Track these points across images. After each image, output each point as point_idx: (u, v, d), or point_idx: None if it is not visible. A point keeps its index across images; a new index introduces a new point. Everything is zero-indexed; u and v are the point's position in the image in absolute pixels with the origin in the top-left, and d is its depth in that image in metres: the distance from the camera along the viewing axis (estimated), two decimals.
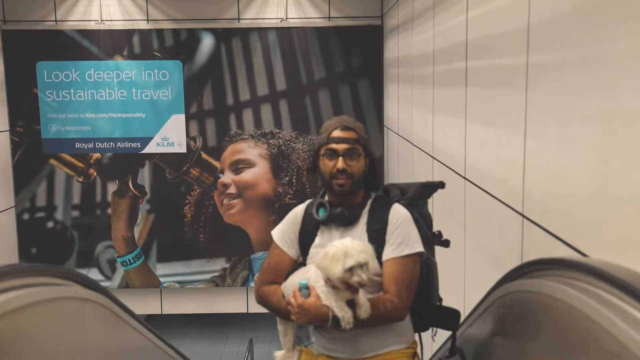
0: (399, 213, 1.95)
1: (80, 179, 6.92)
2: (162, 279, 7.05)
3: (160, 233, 7.05)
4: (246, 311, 7.19)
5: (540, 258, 1.58)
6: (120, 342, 2.29)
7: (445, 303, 2.14)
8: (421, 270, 1.98)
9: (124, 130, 6.85)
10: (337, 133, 1.96)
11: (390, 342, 1.97)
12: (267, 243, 7.12)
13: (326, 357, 1.99)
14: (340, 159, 1.92)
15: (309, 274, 1.88)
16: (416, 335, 2.10)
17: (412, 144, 4.54)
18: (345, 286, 1.78)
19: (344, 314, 1.80)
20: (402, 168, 5.29)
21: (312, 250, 1.99)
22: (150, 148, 6.87)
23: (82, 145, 6.82)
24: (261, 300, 2.06)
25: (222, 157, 6.92)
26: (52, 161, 6.88)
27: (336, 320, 1.80)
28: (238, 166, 6.92)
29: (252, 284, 7.00)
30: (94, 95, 6.76)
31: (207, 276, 7.07)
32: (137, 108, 6.82)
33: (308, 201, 2.11)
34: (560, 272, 1.41)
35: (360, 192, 2.01)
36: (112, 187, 6.97)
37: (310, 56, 6.86)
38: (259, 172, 6.90)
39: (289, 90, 6.91)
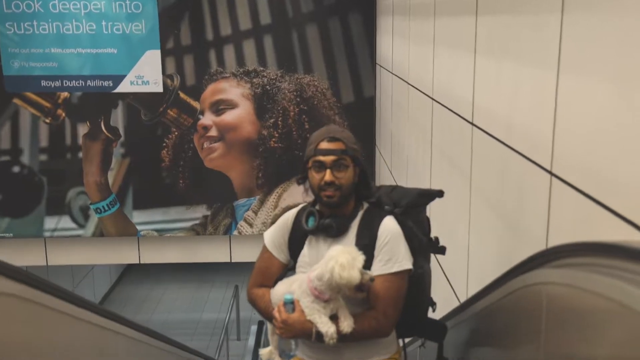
0: (388, 228, 1.94)
1: (47, 120, 6.40)
2: (139, 227, 6.64)
3: (136, 178, 6.60)
4: (229, 260, 6.84)
5: (579, 242, 1.16)
6: (49, 338, 1.86)
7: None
8: (411, 283, 1.95)
9: (94, 67, 6.29)
10: (324, 145, 1.93)
11: (373, 353, 1.99)
12: (251, 189, 6.73)
13: None
14: (328, 171, 1.91)
15: (294, 287, 1.93)
16: (400, 341, 2.11)
17: (408, 83, 4.06)
18: (354, 291, 1.82)
19: (328, 329, 1.83)
20: (396, 111, 4.82)
21: (300, 260, 2.02)
22: (124, 87, 6.33)
23: (48, 83, 6.27)
24: (250, 301, 2.11)
25: (202, 97, 6.40)
26: (16, 100, 6.33)
27: (320, 335, 1.84)
28: (219, 107, 6.41)
29: (236, 232, 6.62)
30: (60, 28, 6.17)
31: (188, 224, 6.67)
32: (108, 43, 6.24)
33: (301, 205, 2.11)
34: (611, 261, 0.99)
35: (351, 202, 1.99)
36: (83, 129, 6.47)
37: None
38: (241, 114, 6.41)
39: (274, 24, 6.34)
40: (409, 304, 1.97)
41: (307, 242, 2.02)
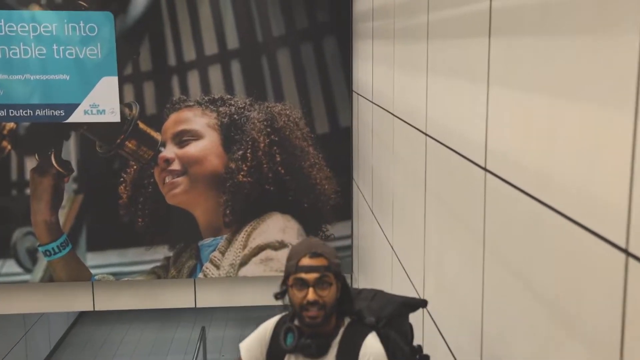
0: (370, 350, 1.89)
1: None
2: (93, 271, 6.01)
3: (90, 217, 5.99)
4: (194, 306, 6.24)
5: None
6: None
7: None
8: None
9: (44, 95, 5.72)
10: (306, 261, 1.86)
11: None
12: (218, 228, 6.14)
13: None
14: (311, 289, 1.84)
15: None
16: None
17: (393, 114, 3.59)
18: None
19: None
20: (377, 145, 4.34)
21: None
22: (77, 117, 5.76)
23: None
24: None
25: (164, 128, 5.86)
26: None
27: None
28: (182, 138, 5.87)
29: (201, 275, 6.04)
30: (6, 52, 5.59)
31: (147, 267, 6.06)
32: (60, 69, 5.69)
33: (279, 316, 2.05)
34: None
35: (332, 319, 1.93)
36: (30, 162, 5.85)
37: (267, 8, 5.82)
38: (207, 145, 5.88)
39: (243, 48, 5.86)
40: None
41: (286, 358, 1.97)
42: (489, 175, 1.98)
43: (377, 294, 2.06)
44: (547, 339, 1.56)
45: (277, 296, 1.97)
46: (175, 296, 6.19)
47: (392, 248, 3.82)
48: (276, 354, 1.99)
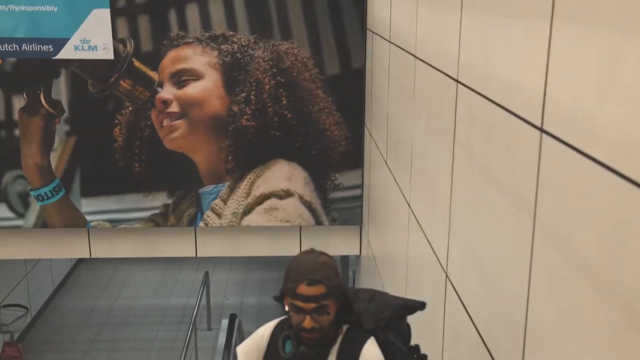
0: (368, 357, 1.89)
1: None
2: (88, 217, 5.70)
3: (83, 161, 5.63)
4: (195, 255, 5.95)
5: None
6: None
7: None
8: None
9: (31, 28, 5.26)
10: (303, 289, 1.82)
11: None
12: (219, 175, 5.74)
13: None
14: (308, 317, 1.83)
15: None
16: None
17: (415, 56, 3.16)
18: None
19: None
20: (394, 89, 3.91)
21: None
22: (67, 52, 5.32)
23: None
24: None
25: (161, 66, 5.42)
26: None
27: None
28: (181, 78, 5.44)
29: (202, 224, 5.72)
30: None
31: (146, 214, 5.74)
32: None
33: (277, 321, 2.05)
34: None
35: (331, 329, 1.91)
36: (19, 102, 5.45)
37: None
38: (207, 86, 5.45)
39: None
40: None
41: None
42: (546, 137, 1.58)
43: (375, 295, 2.06)
44: (616, 341, 1.20)
45: (277, 299, 1.96)
46: (175, 245, 5.90)
47: (409, 205, 3.45)
48: (273, 359, 1.99)
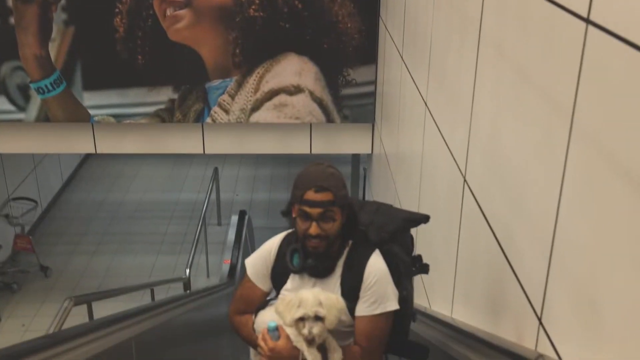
0: (374, 270, 1.90)
1: None
2: (92, 112, 5.53)
3: (84, 53, 5.38)
4: (202, 152, 5.83)
5: None
6: None
7: None
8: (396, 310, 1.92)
9: None
10: (310, 195, 1.84)
11: None
12: (227, 68, 5.46)
13: None
14: (314, 223, 1.84)
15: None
16: None
17: None
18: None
19: (314, 358, 1.80)
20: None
21: (283, 291, 1.99)
22: None
23: None
24: (233, 328, 2.10)
25: None
26: None
27: None
28: None
29: (209, 120, 5.54)
30: None
31: (151, 109, 5.56)
32: None
33: (284, 234, 2.06)
34: None
35: (337, 241, 1.93)
36: None
37: None
38: None
39: None
40: (393, 328, 1.96)
41: (290, 277, 1.99)
42: (593, 29, 1.35)
43: (379, 208, 2.07)
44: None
45: (284, 214, 1.95)
46: (182, 141, 5.76)
47: (426, 104, 3.24)
48: (281, 272, 2.00)
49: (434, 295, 2.97)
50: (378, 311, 1.88)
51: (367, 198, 7.25)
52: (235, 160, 11.55)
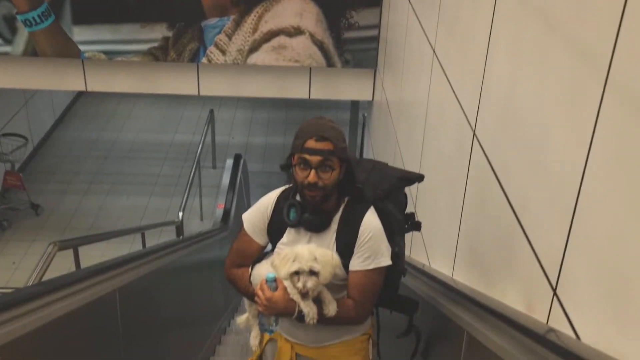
0: (370, 226, 1.94)
1: None
2: (82, 47, 5.30)
3: None
4: (197, 94, 5.62)
5: None
6: None
7: None
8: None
9: None
10: (311, 143, 1.88)
11: (349, 331, 2.09)
12: (224, 6, 5.16)
13: (286, 341, 2.14)
14: (313, 172, 1.87)
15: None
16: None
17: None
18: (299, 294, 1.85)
19: (309, 310, 1.87)
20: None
21: (279, 245, 2.03)
22: None
23: None
24: (229, 281, 2.13)
25: None
26: None
27: (301, 314, 1.88)
28: None
29: (204, 60, 5.32)
30: None
31: (144, 46, 5.33)
32: None
33: (281, 189, 2.08)
34: None
35: (334, 197, 1.96)
36: None
37: None
38: None
39: None
40: (385, 282, 2.01)
41: (287, 231, 2.02)
42: None
43: (375, 166, 2.09)
44: None
45: (282, 168, 1.98)
46: (176, 82, 5.55)
47: (434, 51, 3.05)
48: (277, 226, 2.02)
49: (435, 253, 2.86)
50: (371, 266, 1.93)
51: (365, 145, 7.09)
52: (232, 103, 11.31)
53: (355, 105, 8.73)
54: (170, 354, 3.50)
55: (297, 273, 1.82)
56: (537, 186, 1.67)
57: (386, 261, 1.94)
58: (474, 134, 2.27)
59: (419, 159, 3.32)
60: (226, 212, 6.65)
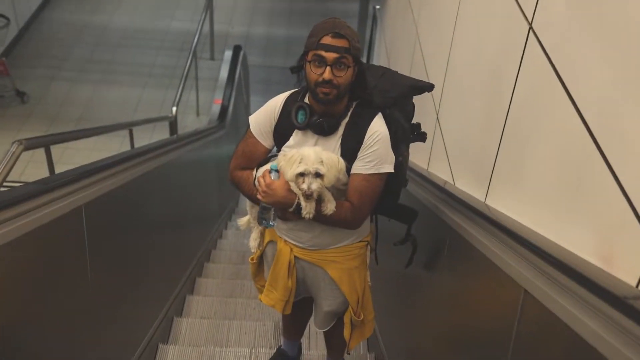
0: (376, 132, 1.91)
1: None
2: None
3: None
4: None
5: None
6: None
7: None
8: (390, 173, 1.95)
9: None
10: (327, 40, 1.83)
11: (346, 237, 2.10)
12: None
13: (285, 243, 2.16)
14: (328, 68, 1.83)
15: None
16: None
17: None
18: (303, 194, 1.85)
19: (308, 204, 1.87)
20: None
21: (284, 149, 2.01)
22: None
23: None
24: (233, 183, 2.11)
25: None
26: None
27: (299, 208, 1.88)
28: None
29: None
30: None
31: None
32: None
33: (289, 92, 2.05)
34: None
35: (344, 101, 1.94)
36: None
37: None
38: None
39: None
40: (386, 190, 2.00)
41: (294, 133, 1.99)
42: None
43: (385, 73, 2.04)
44: None
45: (293, 70, 1.95)
46: None
47: None
48: (284, 129, 2.00)
49: (462, 170, 2.45)
50: (372, 171, 1.91)
51: (377, 44, 6.51)
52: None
53: None
54: (165, 260, 3.20)
55: (302, 174, 1.82)
56: (630, 102, 1.22)
57: (388, 168, 1.92)
58: (531, 28, 1.80)
59: (445, 60, 2.84)
60: (224, 109, 6.19)
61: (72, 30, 8.97)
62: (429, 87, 2.01)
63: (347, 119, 1.94)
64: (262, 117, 2.02)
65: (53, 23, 9.08)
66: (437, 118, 2.85)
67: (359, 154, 1.90)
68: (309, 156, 1.80)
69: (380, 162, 1.90)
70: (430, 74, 3.22)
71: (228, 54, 7.23)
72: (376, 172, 1.90)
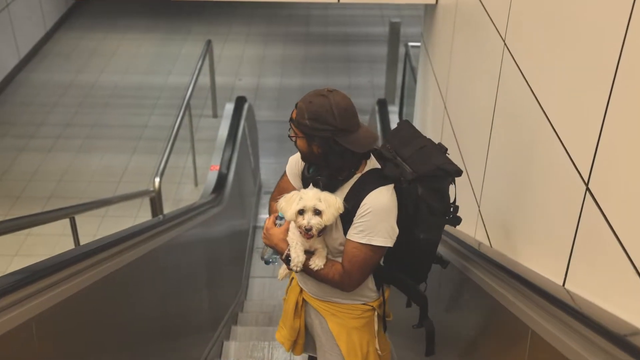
0: (372, 202, 1.92)
1: None
2: None
3: None
4: None
5: None
6: None
7: None
8: (413, 247, 1.97)
9: None
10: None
11: (344, 296, 2.10)
12: None
13: (297, 283, 2.25)
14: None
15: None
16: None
17: None
18: (303, 232, 1.90)
19: (296, 257, 1.94)
20: None
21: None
22: None
23: None
24: (270, 212, 2.20)
25: None
26: None
27: (288, 258, 1.96)
28: None
29: None
30: None
31: None
32: None
33: None
34: None
35: (344, 170, 2.00)
36: None
37: None
38: None
39: None
40: (409, 265, 2.05)
41: (311, 184, 2.07)
42: None
43: (424, 147, 1.96)
44: None
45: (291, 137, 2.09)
46: None
47: None
48: (304, 177, 2.10)
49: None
50: (363, 240, 1.91)
51: (422, 79, 5.06)
52: (240, 37, 9.29)
53: (395, 29, 6.69)
54: None
55: (302, 212, 1.86)
56: None
57: (380, 241, 1.90)
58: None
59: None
60: (221, 177, 4.75)
61: (53, 91, 7.74)
62: (456, 173, 1.92)
63: (352, 182, 1.97)
64: (294, 160, 2.15)
65: (31, 85, 7.85)
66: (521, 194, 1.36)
67: (354, 220, 1.93)
68: (307, 194, 1.88)
69: (372, 233, 1.90)
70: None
71: (229, 107, 5.85)
72: (367, 242, 1.91)
